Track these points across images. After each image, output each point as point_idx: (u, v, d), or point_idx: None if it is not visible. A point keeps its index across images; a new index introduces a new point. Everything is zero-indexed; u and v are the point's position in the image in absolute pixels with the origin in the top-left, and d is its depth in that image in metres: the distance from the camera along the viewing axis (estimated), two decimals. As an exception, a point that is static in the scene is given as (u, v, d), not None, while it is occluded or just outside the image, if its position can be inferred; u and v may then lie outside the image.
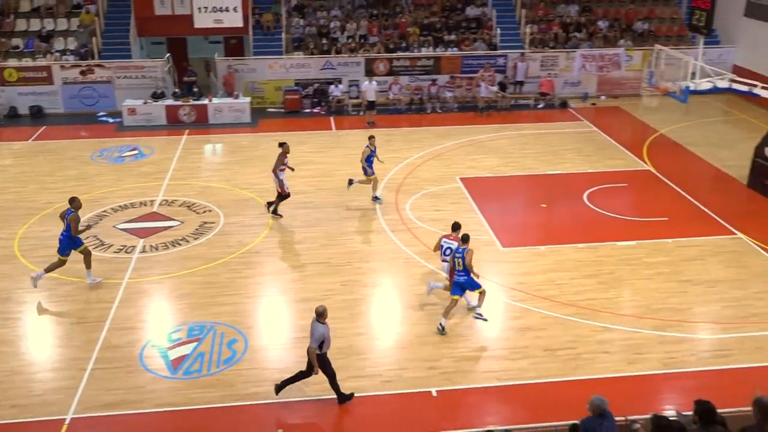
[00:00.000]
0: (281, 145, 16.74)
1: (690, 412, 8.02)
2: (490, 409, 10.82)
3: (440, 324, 12.55)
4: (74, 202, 13.64)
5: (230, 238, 15.99)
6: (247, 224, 16.64)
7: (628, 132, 23.64)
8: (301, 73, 25.88)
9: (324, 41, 26.76)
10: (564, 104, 26.22)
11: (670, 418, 7.93)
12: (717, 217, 17.17)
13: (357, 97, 25.66)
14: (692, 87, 18.01)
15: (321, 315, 10.31)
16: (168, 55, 26.24)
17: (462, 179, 19.21)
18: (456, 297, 12.59)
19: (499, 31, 27.72)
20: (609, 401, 8.39)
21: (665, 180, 19.34)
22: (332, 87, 25.56)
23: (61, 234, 13.70)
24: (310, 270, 14.72)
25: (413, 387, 11.26)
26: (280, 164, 16.46)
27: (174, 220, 16.73)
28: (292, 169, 17.06)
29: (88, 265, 13.88)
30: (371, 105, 24.30)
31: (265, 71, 25.81)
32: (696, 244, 15.82)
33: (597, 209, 17.56)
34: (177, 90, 25.02)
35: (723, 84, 18.37)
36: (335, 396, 10.85)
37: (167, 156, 21.06)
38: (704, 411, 7.67)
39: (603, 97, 27.29)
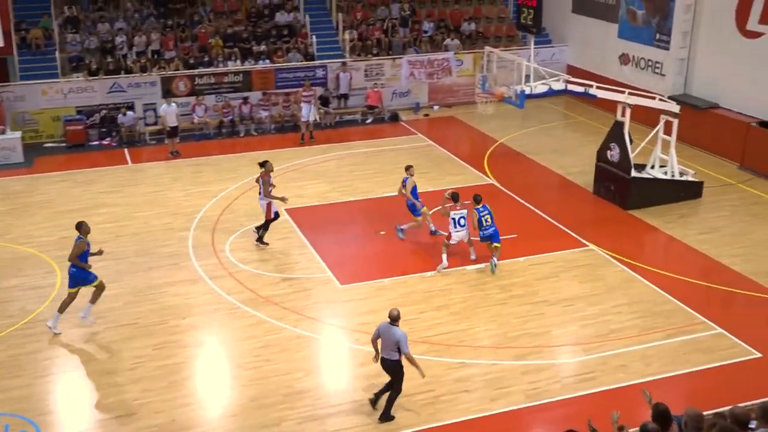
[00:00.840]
0: (262, 164, 17.45)
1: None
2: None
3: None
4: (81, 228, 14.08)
5: (10, 306, 14.94)
6: (31, 287, 15.63)
7: (466, 143, 24.72)
8: (84, 98, 24.80)
9: (109, 59, 25.87)
10: (395, 117, 27.01)
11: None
12: (566, 228, 18.34)
13: (155, 123, 25.00)
14: (528, 91, 19.13)
15: (396, 319, 11.59)
16: None
17: (288, 210, 19.23)
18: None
19: (314, 38, 28.19)
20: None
21: (510, 193, 20.38)
22: (120, 116, 24.73)
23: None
24: (115, 335, 14.09)
25: (252, 460, 11.04)
26: (269, 186, 17.13)
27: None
28: (284, 200, 17.41)
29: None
30: (173, 131, 23.74)
31: (37, 98, 24.49)
32: (548, 261, 16.79)
33: (441, 232, 18.12)
34: None
35: (559, 86, 19.69)
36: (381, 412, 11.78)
37: None
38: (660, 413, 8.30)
39: (436, 107, 28.44)
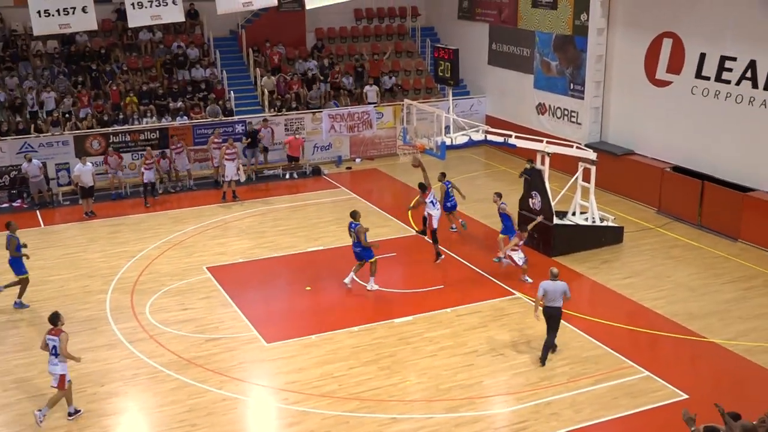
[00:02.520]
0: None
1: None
2: None
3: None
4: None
5: None
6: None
7: (389, 195, 24.89)
8: (-8, 159, 24.16)
9: (18, 118, 25.26)
10: (317, 171, 27.05)
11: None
12: (492, 278, 18.54)
13: (68, 184, 24.41)
14: (448, 142, 19.43)
15: (557, 275, 14.66)
16: None
17: (210, 269, 19.12)
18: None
19: (233, 94, 28.17)
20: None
21: (447, 251, 20.55)
22: (24, 164, 23.95)
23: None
24: (30, 405, 13.51)
25: None
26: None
27: None
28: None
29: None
30: (89, 191, 23.22)
31: (-61, 161, 23.73)
32: (476, 310, 16.90)
33: (367, 285, 18.18)
34: None
35: (478, 136, 20.08)
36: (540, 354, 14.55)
37: None
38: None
39: (358, 160, 28.64)
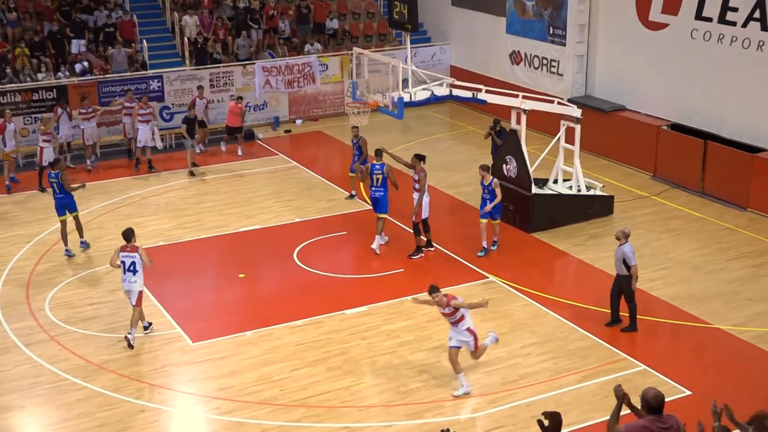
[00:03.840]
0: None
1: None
2: None
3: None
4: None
5: None
6: None
7: (337, 163, 24.84)
8: None
9: None
10: (249, 135, 26.85)
11: None
12: (461, 259, 18.64)
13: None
14: (406, 98, 19.36)
15: (628, 236, 15.36)
16: None
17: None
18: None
19: (145, 43, 27.75)
20: None
21: (392, 219, 20.55)
22: None
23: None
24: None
25: None
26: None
27: None
28: None
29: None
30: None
31: None
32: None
33: (313, 270, 18.13)
34: None
35: (442, 91, 20.03)
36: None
37: None
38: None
39: (299, 121, 28.54)
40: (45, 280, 17.95)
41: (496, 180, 18.40)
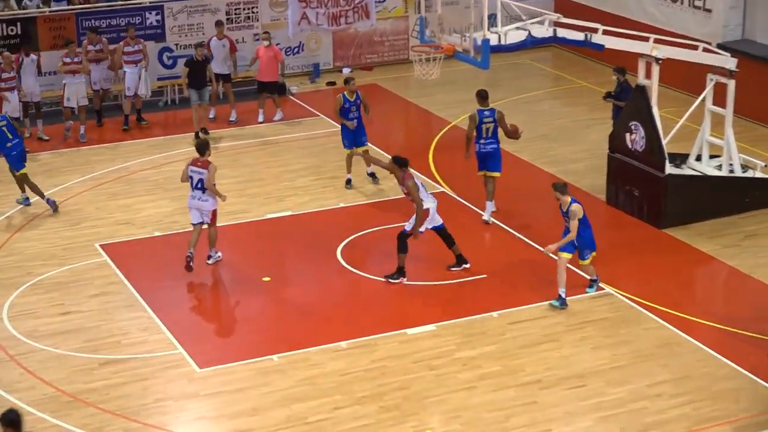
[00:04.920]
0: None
1: None
2: None
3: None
4: None
5: None
6: None
7: (397, 129, 24.84)
8: None
9: None
10: (281, 89, 26.79)
11: None
12: (569, 264, 18.44)
13: None
14: (493, 41, 19.23)
15: None
16: None
17: (106, 247, 19.19)
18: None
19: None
20: None
21: (471, 206, 20.46)
22: None
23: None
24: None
25: None
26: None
27: None
28: None
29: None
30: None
31: None
32: (540, 315, 16.79)
33: (364, 274, 18.08)
34: None
35: (543, 32, 19.88)
36: None
37: None
38: None
39: (347, 70, 28.50)
40: (2, 279, 18.08)
41: (576, 206, 16.94)
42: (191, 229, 18.10)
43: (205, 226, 17.99)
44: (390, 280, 17.92)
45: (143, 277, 18.14)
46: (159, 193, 21.40)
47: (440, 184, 21.46)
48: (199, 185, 17.64)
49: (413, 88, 26.89)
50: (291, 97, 26.84)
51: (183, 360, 15.77)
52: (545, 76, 28.22)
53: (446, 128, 24.73)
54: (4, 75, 23.31)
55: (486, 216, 19.87)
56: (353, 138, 21.48)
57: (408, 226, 17.70)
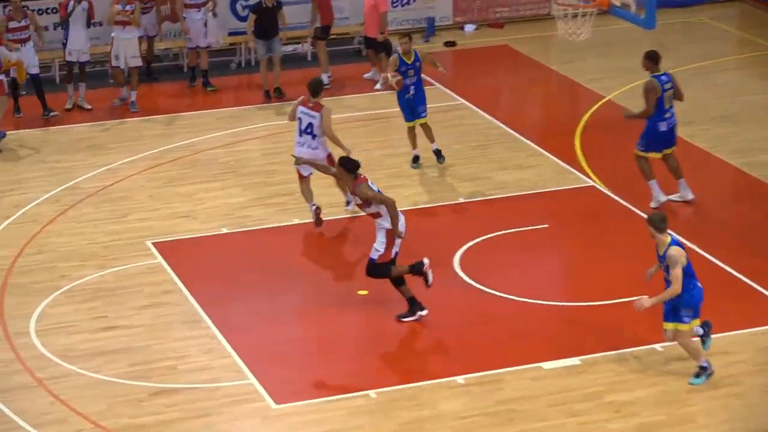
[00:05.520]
0: None
1: None
2: None
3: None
4: None
5: None
6: None
7: (535, 103, 24.74)
8: None
9: None
10: (386, 48, 26.75)
11: None
12: (761, 287, 18.10)
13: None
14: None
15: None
16: None
17: (159, 245, 19.43)
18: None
19: None
20: None
21: (634, 209, 20.18)
22: None
23: None
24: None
25: None
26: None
27: None
28: None
29: None
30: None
31: None
32: (719, 349, 16.36)
33: (488, 290, 18.01)
34: None
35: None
36: None
37: None
38: None
39: (470, 27, 28.76)
40: (30, 283, 18.26)
41: (677, 250, 15.70)
42: (268, 225, 18.09)
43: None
44: (403, 320, 17.45)
45: (207, 285, 18.05)
46: (229, 179, 21.33)
47: (588, 177, 21.27)
48: (309, 130, 19.06)
49: (555, 52, 26.80)
50: (400, 60, 26.79)
51: (255, 392, 15.64)
52: (729, 39, 27.85)
53: (598, 104, 24.57)
54: (13, 24, 23.73)
55: (686, 195, 20.33)
56: (411, 109, 21.88)
57: (374, 252, 17.07)
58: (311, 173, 19.35)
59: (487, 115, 24.06)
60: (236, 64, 26.54)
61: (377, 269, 17.02)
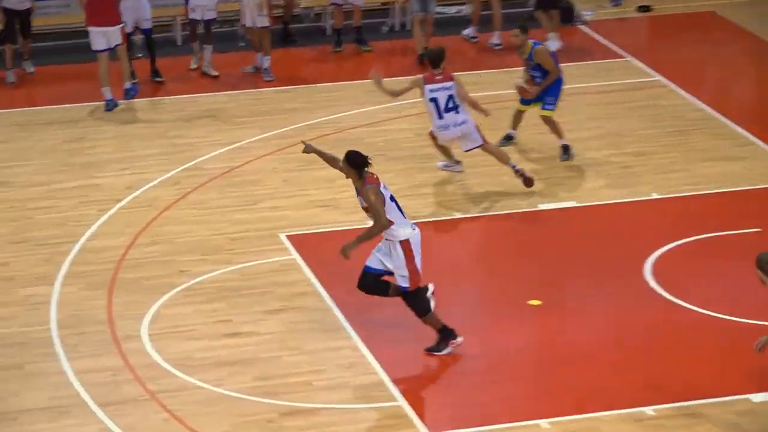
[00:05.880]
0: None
1: None
2: None
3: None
4: None
5: None
6: None
7: (747, 80, 24.48)
8: None
9: None
10: (568, 15, 26.82)
11: None
12: None
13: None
14: None
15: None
16: None
17: (295, 239, 19.70)
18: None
19: None
20: None
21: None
22: None
23: None
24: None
25: None
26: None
27: None
28: None
29: None
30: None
31: None
32: None
33: (691, 306, 17.68)
34: None
35: None
36: None
37: None
38: None
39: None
40: (143, 279, 18.49)
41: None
42: (425, 218, 17.91)
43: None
44: (435, 353, 17.01)
45: (349, 287, 17.66)
46: (379, 163, 21.15)
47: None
48: (451, 104, 19.39)
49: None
50: (582, 26, 26.57)
51: (404, 417, 15.43)
52: None
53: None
54: None
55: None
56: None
57: (400, 279, 16.56)
58: (480, 143, 19.91)
59: (687, 95, 23.73)
60: (389, 27, 26.34)
61: (415, 300, 16.55)
